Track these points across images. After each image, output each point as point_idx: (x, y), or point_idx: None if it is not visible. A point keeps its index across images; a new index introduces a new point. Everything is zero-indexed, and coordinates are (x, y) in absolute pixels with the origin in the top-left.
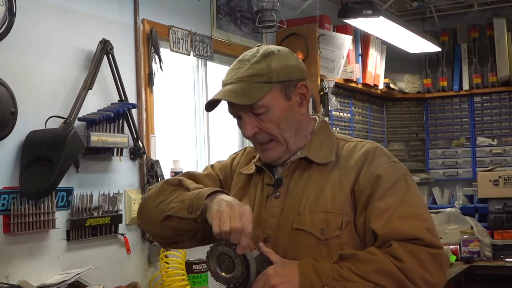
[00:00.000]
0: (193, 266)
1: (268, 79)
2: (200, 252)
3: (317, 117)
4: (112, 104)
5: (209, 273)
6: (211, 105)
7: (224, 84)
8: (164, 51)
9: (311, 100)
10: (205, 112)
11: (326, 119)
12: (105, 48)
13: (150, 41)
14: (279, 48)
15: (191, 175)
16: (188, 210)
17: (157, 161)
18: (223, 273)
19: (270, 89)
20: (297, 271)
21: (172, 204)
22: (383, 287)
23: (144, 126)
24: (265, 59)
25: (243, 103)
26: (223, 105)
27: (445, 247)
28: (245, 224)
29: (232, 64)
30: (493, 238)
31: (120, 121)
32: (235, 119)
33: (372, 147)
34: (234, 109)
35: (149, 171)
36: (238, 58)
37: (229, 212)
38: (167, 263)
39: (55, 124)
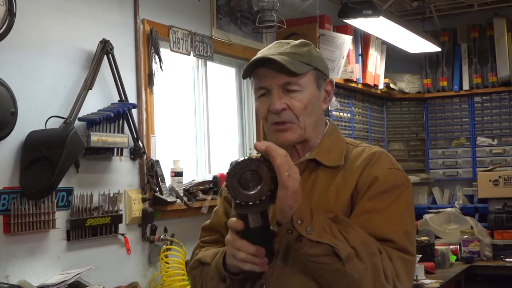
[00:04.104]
0: None
1: (308, 61)
2: None
3: (327, 121)
4: (112, 104)
5: None
6: (251, 68)
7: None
8: (164, 51)
9: None
10: (205, 112)
11: None
12: (105, 48)
13: (150, 41)
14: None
15: (209, 228)
16: (221, 282)
17: (157, 161)
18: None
19: (308, 71)
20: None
21: (209, 285)
22: (362, 261)
23: (144, 126)
24: (305, 46)
25: (291, 68)
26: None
27: (445, 247)
28: None
29: (268, 46)
30: (493, 238)
31: (120, 121)
32: (258, 98)
33: (379, 151)
34: (268, 80)
35: (149, 171)
36: (276, 41)
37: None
38: (167, 263)
39: (55, 124)
